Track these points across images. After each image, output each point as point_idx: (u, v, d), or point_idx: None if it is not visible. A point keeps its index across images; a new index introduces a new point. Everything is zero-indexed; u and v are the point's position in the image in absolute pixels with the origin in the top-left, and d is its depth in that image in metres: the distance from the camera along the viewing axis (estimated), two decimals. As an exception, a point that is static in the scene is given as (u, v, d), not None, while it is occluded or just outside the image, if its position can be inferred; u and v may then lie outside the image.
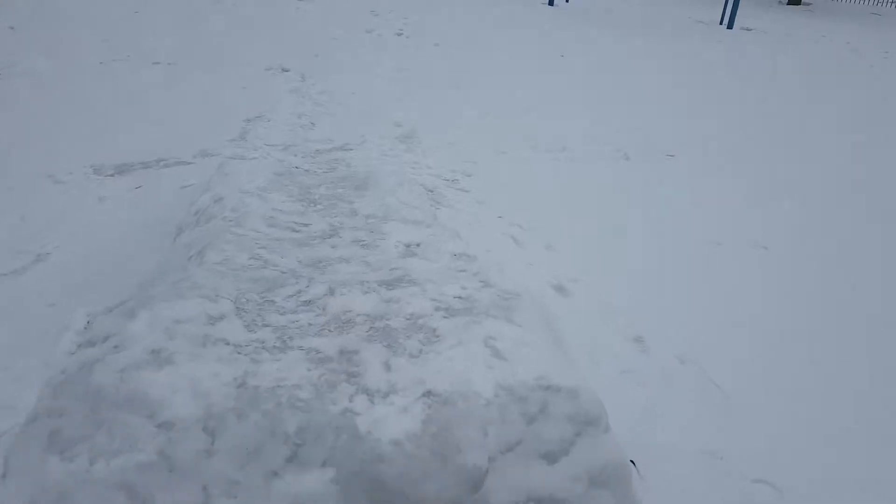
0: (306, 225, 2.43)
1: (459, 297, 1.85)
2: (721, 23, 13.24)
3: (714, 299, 3.35)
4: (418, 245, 2.33)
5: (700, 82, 8.47)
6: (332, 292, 1.78)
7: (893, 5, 17.64)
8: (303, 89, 6.84)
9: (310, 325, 1.66)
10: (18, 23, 7.69)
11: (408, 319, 1.72)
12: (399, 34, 9.83)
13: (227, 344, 1.53)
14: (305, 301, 1.77)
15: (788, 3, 17.33)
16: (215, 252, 1.95)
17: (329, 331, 1.64)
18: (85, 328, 2.31)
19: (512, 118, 6.41)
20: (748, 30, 12.89)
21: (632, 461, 1.90)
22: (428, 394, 1.44)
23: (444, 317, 1.73)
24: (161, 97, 5.82)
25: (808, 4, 17.67)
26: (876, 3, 17.86)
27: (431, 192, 4.28)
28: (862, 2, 18.05)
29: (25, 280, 2.88)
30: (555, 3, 13.77)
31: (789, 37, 12.60)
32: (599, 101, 7.24)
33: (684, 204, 4.64)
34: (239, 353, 1.51)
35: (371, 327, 1.67)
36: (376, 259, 2.10)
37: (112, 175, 4.12)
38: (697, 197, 4.79)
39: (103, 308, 2.37)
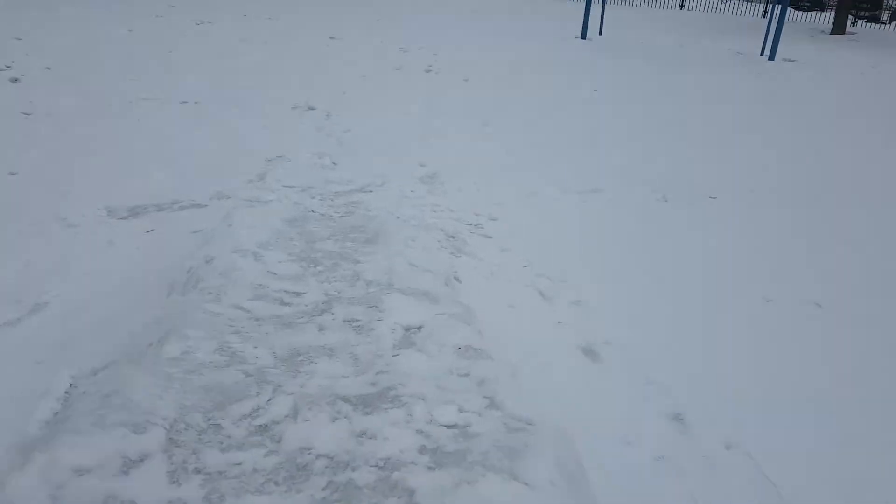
0: (298, 295, 2.20)
1: (454, 428, 1.52)
2: (762, 54, 12.86)
3: (765, 369, 2.98)
4: (419, 329, 2.05)
5: (742, 117, 8.10)
6: (295, 414, 1.49)
7: (944, 35, 16.97)
8: (327, 128, 6.74)
9: (254, 471, 1.36)
10: (55, 63, 7.85)
11: (380, 470, 1.36)
12: (428, 70, 9.76)
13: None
14: (260, 426, 1.49)
15: (832, 33, 16.83)
16: (176, 342, 1.72)
17: (275, 484, 1.33)
18: (66, 392, 2.11)
19: (542, 157, 6.16)
20: (791, 61, 12.47)
21: None
22: None
23: (429, 467, 1.38)
24: (183, 137, 5.77)
25: (853, 34, 17.13)
26: (925, 32, 17.22)
27: (453, 238, 4.03)
28: (910, 31, 17.43)
29: (17, 333, 2.70)
30: (587, 36, 13.62)
31: (834, 68, 12.14)
32: (635, 138, 6.95)
33: (728, 253, 4.28)
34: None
35: (329, 482, 1.33)
36: (366, 351, 1.83)
37: (125, 218, 4.00)
38: (743, 245, 4.42)
39: (90, 370, 2.16)
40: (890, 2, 21.45)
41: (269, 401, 1.56)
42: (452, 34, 12.98)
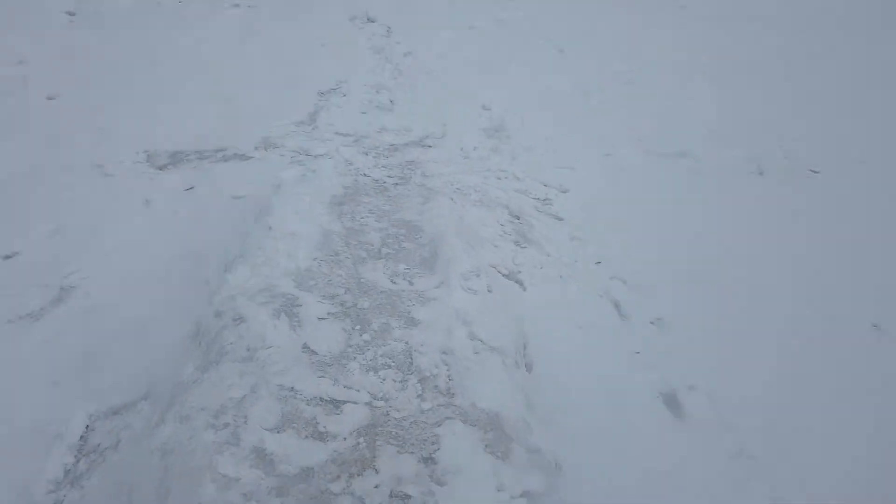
0: (337, 408, 1.82)
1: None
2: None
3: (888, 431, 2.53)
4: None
5: (848, 63, 6.96)
6: None
7: None
8: (386, 49, 6.11)
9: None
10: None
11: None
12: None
13: None
14: None
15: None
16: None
17: None
18: (81, 438, 1.92)
19: (620, 102, 5.43)
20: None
21: None
22: None
23: None
24: (232, 57, 5.30)
25: None
26: None
27: (518, 219, 3.59)
28: None
29: (38, 332, 2.47)
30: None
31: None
32: (724, 84, 6.05)
33: (841, 253, 3.66)
34: None
35: None
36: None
37: (164, 167, 3.70)
38: (854, 242, 3.79)
39: (108, 408, 1.95)
40: None
41: None
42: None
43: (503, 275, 3.06)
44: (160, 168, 3.67)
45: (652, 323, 3.05)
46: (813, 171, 4.69)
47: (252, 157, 3.82)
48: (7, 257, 2.82)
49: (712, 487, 2.20)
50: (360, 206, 2.98)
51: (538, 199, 3.86)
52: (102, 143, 3.77)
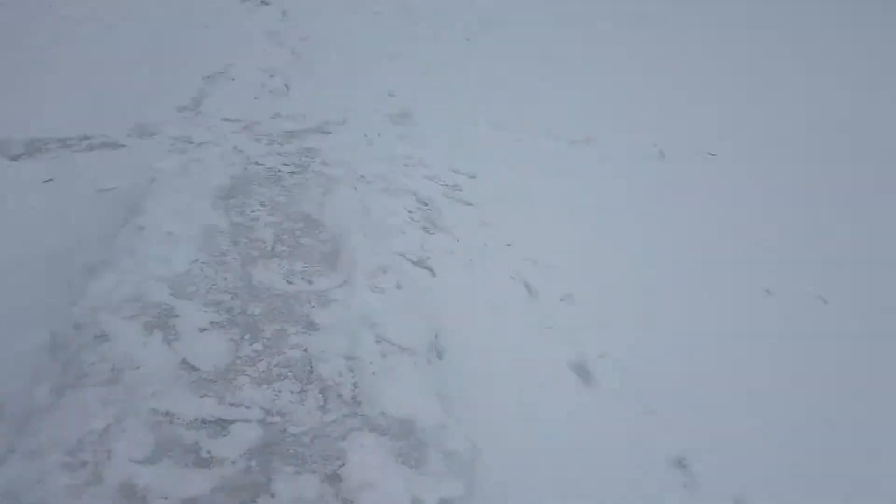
0: (224, 429, 1.53)
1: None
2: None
3: (781, 392, 2.60)
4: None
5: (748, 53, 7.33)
6: None
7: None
8: (282, 32, 5.73)
9: None
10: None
11: None
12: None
13: None
14: None
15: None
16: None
17: None
18: None
19: (527, 89, 5.40)
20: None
21: None
22: None
23: None
24: (104, 40, 4.73)
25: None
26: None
27: (426, 205, 3.40)
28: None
29: None
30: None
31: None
32: (631, 74, 6.17)
33: (735, 226, 3.79)
34: None
35: None
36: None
37: (19, 157, 3.19)
38: (746, 218, 3.94)
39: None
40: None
41: None
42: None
43: (412, 262, 2.87)
44: (13, 158, 3.16)
45: (562, 300, 2.99)
46: (710, 154, 4.86)
47: (124, 146, 3.38)
48: None
49: (618, 444, 2.20)
50: (250, 199, 2.68)
51: (447, 185, 3.70)
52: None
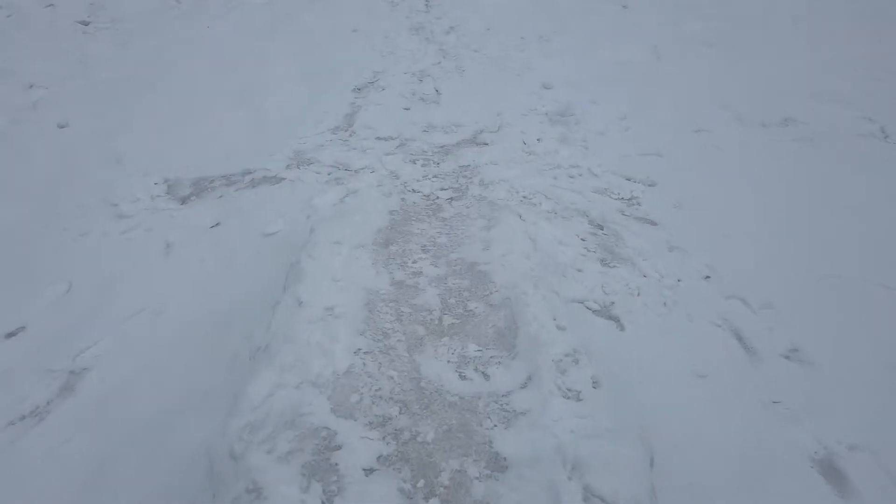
0: None
1: None
2: None
3: None
4: None
5: None
6: None
7: None
8: (426, 26, 5.46)
9: None
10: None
11: None
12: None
13: None
14: None
15: None
16: None
17: None
18: None
19: (701, 66, 4.62)
20: None
21: None
22: None
23: None
24: (255, 55, 4.77)
25: None
26: None
27: (601, 229, 2.95)
28: None
29: (40, 438, 2.04)
30: None
31: None
32: (823, 36, 5.07)
33: None
34: None
35: None
36: None
37: (187, 199, 3.24)
38: None
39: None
40: None
41: None
42: None
43: (594, 311, 2.46)
44: (182, 201, 3.21)
45: (786, 357, 2.39)
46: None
47: (284, 179, 3.31)
48: (10, 335, 2.42)
49: None
50: (410, 243, 2.42)
51: (622, 199, 3.20)
52: (118, 175, 3.33)
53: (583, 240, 2.84)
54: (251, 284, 2.52)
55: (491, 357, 1.77)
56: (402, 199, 2.96)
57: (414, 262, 2.29)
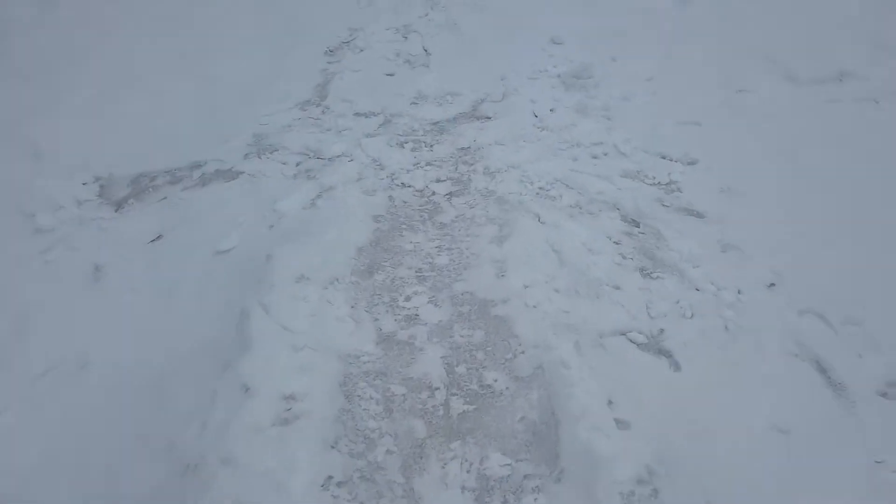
0: None
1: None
2: None
3: None
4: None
5: None
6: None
7: None
8: (411, -27, 4.69)
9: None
10: None
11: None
12: None
13: None
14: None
15: None
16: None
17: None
18: None
19: (736, 10, 3.94)
20: None
21: None
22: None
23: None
24: (206, 7, 4.04)
25: None
26: None
27: (637, 226, 2.37)
28: None
29: None
30: None
31: None
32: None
33: None
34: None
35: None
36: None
37: (123, 203, 2.64)
38: None
39: None
40: None
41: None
42: None
43: (640, 346, 1.91)
44: (117, 206, 2.60)
45: (883, 394, 1.88)
46: None
47: (241, 173, 2.69)
48: None
49: None
50: (401, 266, 1.86)
51: (659, 184, 2.61)
52: (35, 173, 2.71)
53: (616, 243, 2.27)
54: (197, 326, 1.95)
55: (525, 478, 1.22)
56: (390, 198, 2.37)
57: (407, 298, 1.72)
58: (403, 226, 2.17)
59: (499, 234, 2.05)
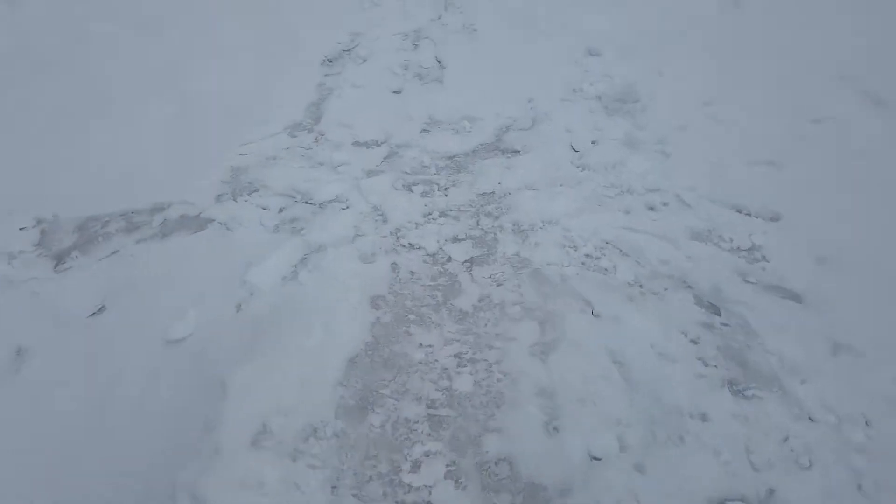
0: None
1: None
2: None
3: None
4: None
5: None
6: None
7: None
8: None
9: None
10: None
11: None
12: None
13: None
14: None
15: None
16: None
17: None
18: None
19: (806, 12, 3.37)
20: None
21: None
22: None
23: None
24: (189, 9, 3.49)
25: None
26: None
27: (717, 314, 1.83)
28: None
29: None
30: None
31: None
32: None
33: None
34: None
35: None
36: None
37: (65, 257, 2.12)
38: None
39: None
40: None
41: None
42: None
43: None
44: (58, 260, 2.08)
45: None
46: None
47: (211, 221, 2.16)
48: None
49: None
50: (406, 395, 1.32)
51: (737, 249, 2.06)
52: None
53: (694, 342, 1.73)
54: (128, 458, 1.42)
55: None
56: (394, 267, 1.83)
57: (415, 466, 1.19)
58: (411, 316, 1.64)
59: (540, 337, 1.51)
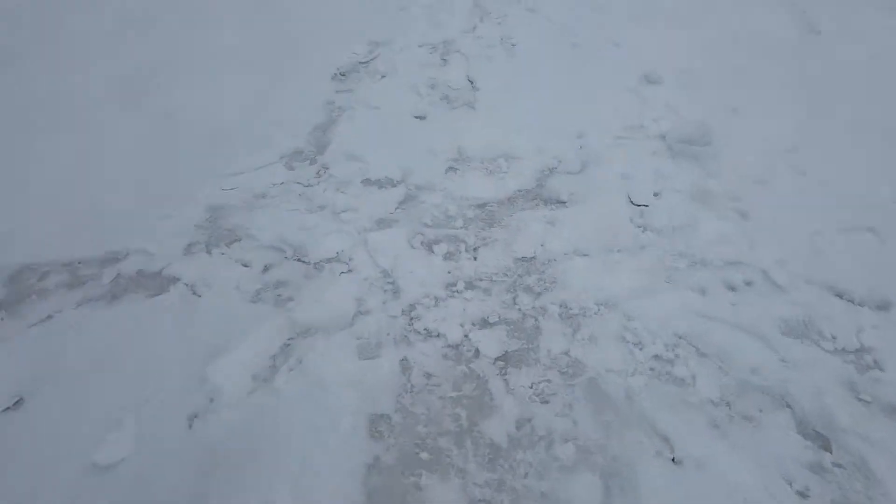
0: None
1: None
2: None
3: None
4: None
5: None
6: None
7: None
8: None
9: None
10: None
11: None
12: None
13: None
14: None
15: None
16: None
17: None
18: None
19: (893, 31, 2.89)
20: None
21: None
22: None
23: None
24: (186, 8, 3.06)
25: None
26: None
27: (828, 450, 1.38)
28: None
29: None
30: None
31: None
32: None
33: None
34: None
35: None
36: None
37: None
38: None
39: None
40: None
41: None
42: None
43: None
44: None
45: None
46: None
47: (176, 280, 1.72)
48: None
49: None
50: None
51: (842, 350, 1.61)
52: None
53: (802, 495, 1.27)
54: None
55: None
56: (403, 366, 1.39)
57: None
58: (423, 454, 1.18)
59: (604, 497, 1.05)
